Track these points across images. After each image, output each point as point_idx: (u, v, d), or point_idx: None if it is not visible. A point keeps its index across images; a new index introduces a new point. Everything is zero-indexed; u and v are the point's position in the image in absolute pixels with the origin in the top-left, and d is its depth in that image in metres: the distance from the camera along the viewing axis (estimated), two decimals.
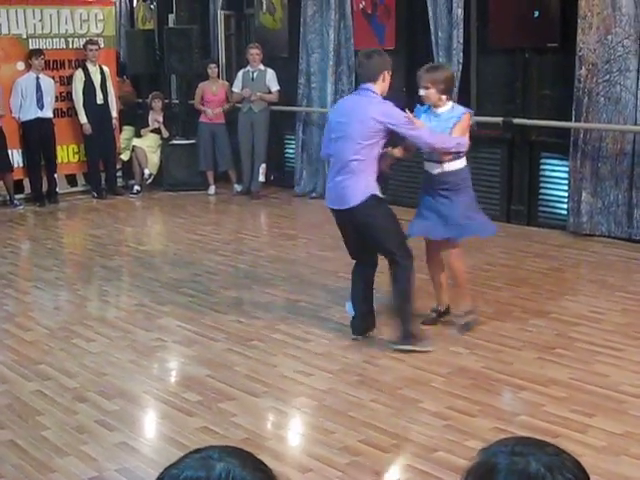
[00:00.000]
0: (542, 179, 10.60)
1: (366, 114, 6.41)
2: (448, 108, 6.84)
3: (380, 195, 6.55)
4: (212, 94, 13.49)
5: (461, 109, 6.92)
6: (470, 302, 7.11)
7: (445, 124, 6.74)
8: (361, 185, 6.45)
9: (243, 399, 5.69)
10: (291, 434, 5.44)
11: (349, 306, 6.87)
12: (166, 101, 14.46)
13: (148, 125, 14.06)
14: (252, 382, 5.97)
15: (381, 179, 6.62)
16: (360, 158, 6.42)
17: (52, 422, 5.38)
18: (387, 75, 6.53)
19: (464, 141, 6.79)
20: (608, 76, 9.58)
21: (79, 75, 13.16)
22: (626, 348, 6.47)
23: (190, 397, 5.73)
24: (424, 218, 6.92)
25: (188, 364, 6.46)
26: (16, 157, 12.91)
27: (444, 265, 7.11)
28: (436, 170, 6.85)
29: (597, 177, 9.84)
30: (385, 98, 6.55)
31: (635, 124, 9.44)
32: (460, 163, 6.90)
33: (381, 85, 6.54)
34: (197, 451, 1.69)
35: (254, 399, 5.69)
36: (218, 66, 13.99)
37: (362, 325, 6.84)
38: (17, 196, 13.00)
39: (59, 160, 13.31)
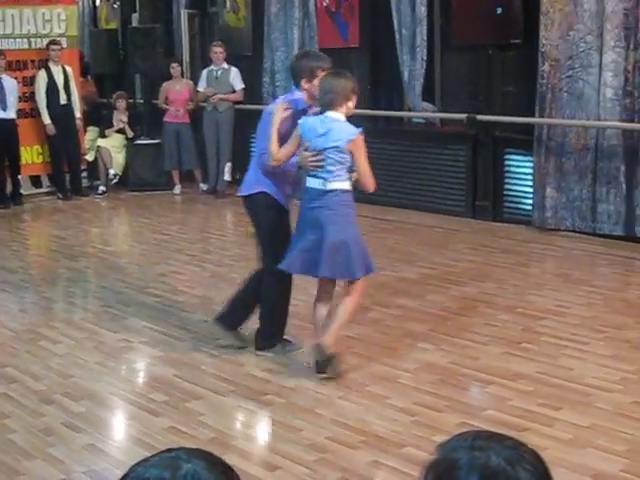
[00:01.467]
0: (507, 175, 10.65)
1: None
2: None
3: (273, 196, 6.37)
4: (176, 93, 13.46)
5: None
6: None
7: None
8: (254, 178, 6.46)
9: (210, 398, 5.68)
10: (259, 432, 5.44)
11: None
12: (130, 101, 14.41)
13: (112, 125, 14.00)
14: (219, 381, 5.95)
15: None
16: (263, 152, 6.31)
17: (19, 425, 5.35)
18: (304, 82, 6.18)
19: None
20: (571, 72, 9.64)
21: (42, 75, 13.08)
22: (591, 341, 6.51)
23: (157, 397, 5.71)
24: None
25: (155, 364, 6.44)
26: None
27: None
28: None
29: (561, 172, 9.90)
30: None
31: (598, 119, 9.50)
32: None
33: (305, 92, 6.23)
34: (167, 451, 1.69)
35: (221, 398, 5.68)
36: (182, 65, 13.96)
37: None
38: None
39: (23, 161, 13.22)
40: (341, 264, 5.86)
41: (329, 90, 5.89)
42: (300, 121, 6.02)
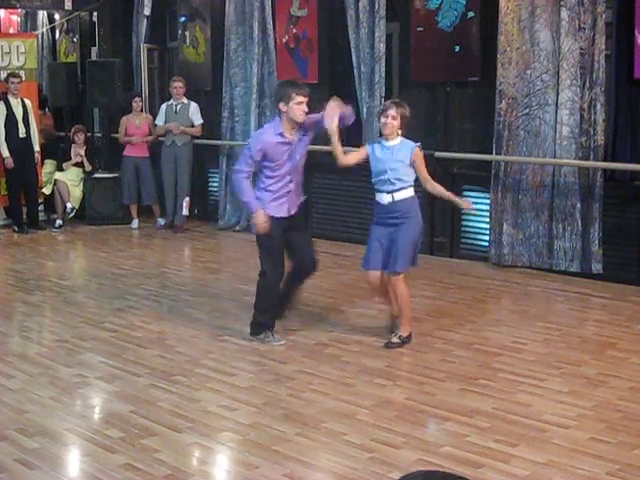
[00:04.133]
0: (464, 211, 10.70)
1: None
2: (398, 142, 7.35)
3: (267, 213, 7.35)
4: (136, 127, 13.44)
5: (411, 143, 7.37)
6: (409, 329, 7.47)
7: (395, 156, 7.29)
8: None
9: (166, 435, 5.62)
10: (215, 469, 5.39)
11: None
12: (88, 134, 14.37)
13: (70, 158, 13.94)
14: (176, 417, 5.90)
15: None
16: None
17: None
18: (283, 106, 7.20)
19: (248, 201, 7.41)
20: (527, 110, 9.76)
21: (0, 108, 13.01)
22: (548, 378, 6.54)
23: (112, 434, 5.64)
24: (377, 250, 7.33)
25: (110, 400, 6.37)
26: None
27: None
28: (386, 200, 7.26)
29: (518, 209, 9.99)
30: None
31: (554, 157, 9.61)
32: (408, 192, 7.30)
33: (283, 115, 7.25)
34: None
35: (178, 434, 5.63)
36: (142, 99, 13.95)
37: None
38: None
39: None
40: None
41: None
42: None
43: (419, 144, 7.36)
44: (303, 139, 7.41)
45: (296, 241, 7.57)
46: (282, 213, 7.39)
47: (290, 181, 7.39)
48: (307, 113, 7.27)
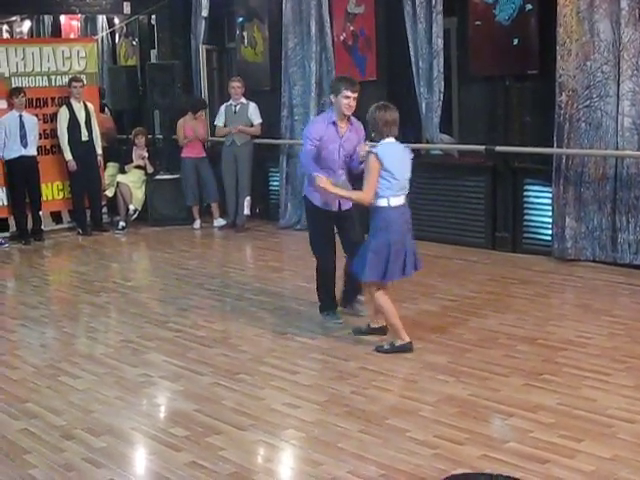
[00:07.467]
0: (526, 205, 10.64)
1: None
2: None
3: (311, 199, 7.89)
4: (192, 130, 13.54)
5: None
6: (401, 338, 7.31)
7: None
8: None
9: (231, 433, 5.66)
10: (279, 467, 5.41)
11: None
12: (149, 137, 14.49)
13: (132, 161, 14.08)
14: (239, 415, 5.95)
15: None
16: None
17: (39, 460, 5.34)
18: (333, 98, 7.70)
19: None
20: (588, 102, 9.65)
21: (64, 112, 13.19)
22: (613, 372, 6.47)
23: (178, 432, 5.70)
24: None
25: (175, 399, 6.44)
26: (0, 195, 12.93)
27: None
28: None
29: (580, 202, 9.89)
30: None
31: (616, 149, 9.49)
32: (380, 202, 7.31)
33: (334, 106, 7.71)
34: None
35: (242, 432, 5.67)
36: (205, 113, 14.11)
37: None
38: (2, 234, 13.01)
39: (44, 197, 13.34)
40: None
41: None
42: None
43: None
44: (350, 136, 7.79)
45: (347, 236, 7.99)
46: (332, 207, 7.83)
47: (340, 175, 7.82)
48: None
